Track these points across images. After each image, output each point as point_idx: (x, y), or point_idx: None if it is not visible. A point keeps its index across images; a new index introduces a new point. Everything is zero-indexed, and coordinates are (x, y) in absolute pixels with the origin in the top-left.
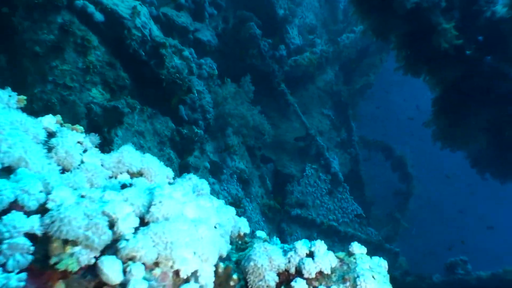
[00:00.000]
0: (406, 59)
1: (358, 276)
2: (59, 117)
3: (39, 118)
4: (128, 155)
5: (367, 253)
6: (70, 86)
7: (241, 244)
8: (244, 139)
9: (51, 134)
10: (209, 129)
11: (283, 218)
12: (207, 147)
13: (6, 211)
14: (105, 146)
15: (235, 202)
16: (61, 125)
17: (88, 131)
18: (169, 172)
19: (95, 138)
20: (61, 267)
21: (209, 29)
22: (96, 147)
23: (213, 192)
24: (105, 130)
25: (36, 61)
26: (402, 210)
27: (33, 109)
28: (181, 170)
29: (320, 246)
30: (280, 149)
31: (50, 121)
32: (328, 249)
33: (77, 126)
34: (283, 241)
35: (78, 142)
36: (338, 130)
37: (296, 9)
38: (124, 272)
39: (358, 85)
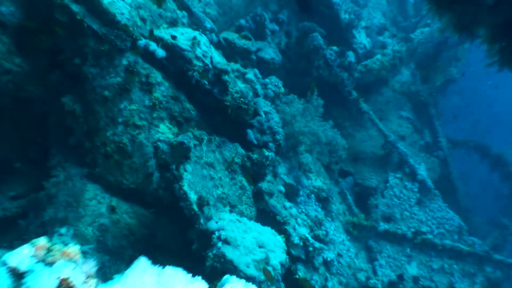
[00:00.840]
0: (501, 53)
1: None
2: (43, 240)
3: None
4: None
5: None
6: (139, 125)
7: None
8: (318, 156)
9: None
10: (280, 151)
11: (370, 234)
12: (280, 169)
13: None
14: (175, 184)
15: (314, 225)
16: (49, 249)
17: (157, 169)
18: None
19: (90, 265)
20: None
21: (271, 47)
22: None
23: (291, 216)
24: (173, 168)
25: (106, 105)
26: (509, 214)
27: (107, 152)
28: (255, 197)
29: None
30: (359, 161)
31: (21, 257)
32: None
33: (71, 248)
34: (373, 259)
35: (62, 280)
36: (421, 132)
37: (361, 11)
38: None
39: (439, 82)
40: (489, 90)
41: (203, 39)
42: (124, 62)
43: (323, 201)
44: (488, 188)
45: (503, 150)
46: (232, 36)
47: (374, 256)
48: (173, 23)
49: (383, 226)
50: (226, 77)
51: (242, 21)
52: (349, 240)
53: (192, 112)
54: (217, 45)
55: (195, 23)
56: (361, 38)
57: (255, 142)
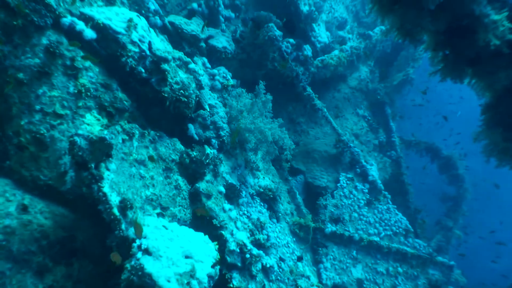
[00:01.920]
0: (444, 62)
1: None
2: None
3: None
4: None
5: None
6: (61, 114)
7: None
8: (264, 155)
9: None
10: (224, 147)
11: (316, 236)
12: (222, 168)
13: None
14: (93, 184)
15: (256, 229)
16: None
17: (72, 168)
18: None
19: None
20: None
21: (224, 35)
22: None
23: (230, 220)
24: (91, 166)
25: (21, 89)
26: (453, 217)
27: (21, 143)
28: (191, 198)
29: None
30: (311, 159)
31: None
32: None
33: None
34: (318, 262)
35: None
36: (376, 131)
37: (323, 3)
38: None
39: (396, 81)
40: (441, 91)
41: (141, 22)
42: (44, 41)
43: (270, 201)
44: (437, 190)
45: (452, 153)
46: (179, 20)
47: (320, 259)
48: (110, 1)
49: (330, 228)
50: (165, 66)
51: (195, 5)
52: (294, 242)
53: (125, 102)
54: (163, 30)
55: (137, 3)
56: (320, 32)
57: (197, 137)
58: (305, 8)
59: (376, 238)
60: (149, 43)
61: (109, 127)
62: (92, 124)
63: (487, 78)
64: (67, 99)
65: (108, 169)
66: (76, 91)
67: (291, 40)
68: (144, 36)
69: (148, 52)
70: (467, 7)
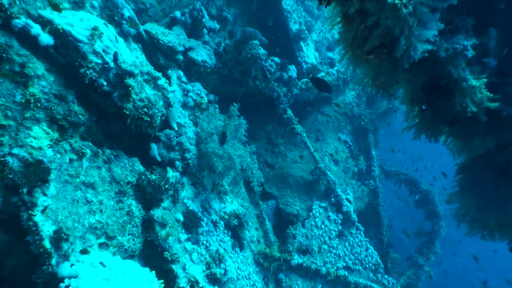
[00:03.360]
0: (419, 117)
1: None
2: None
3: None
4: None
5: None
6: (3, 124)
7: None
8: (231, 181)
9: None
10: (189, 170)
11: (281, 267)
12: (184, 193)
13: None
14: (22, 212)
15: (213, 262)
16: None
17: (0, 192)
18: None
19: None
20: None
21: (206, 48)
22: None
23: (184, 252)
24: (23, 191)
25: None
26: (426, 253)
27: None
28: (144, 226)
29: None
30: (285, 183)
31: None
32: None
33: None
34: None
35: None
36: (356, 158)
37: (314, 22)
38: None
39: (382, 109)
40: None
41: (108, 31)
42: None
43: (236, 227)
44: (413, 224)
45: (430, 188)
46: (156, 30)
47: None
48: (78, 3)
49: (296, 259)
50: (130, 81)
51: (178, 13)
52: (257, 272)
53: (80, 116)
54: (137, 38)
55: (109, 8)
56: (308, 52)
57: (159, 158)
58: (294, 27)
59: (344, 273)
60: (115, 54)
61: (58, 143)
62: (39, 137)
63: (464, 141)
64: (12, 108)
65: (45, 194)
66: (23, 101)
67: (276, 59)
68: (109, 47)
69: (112, 64)
70: (444, 68)
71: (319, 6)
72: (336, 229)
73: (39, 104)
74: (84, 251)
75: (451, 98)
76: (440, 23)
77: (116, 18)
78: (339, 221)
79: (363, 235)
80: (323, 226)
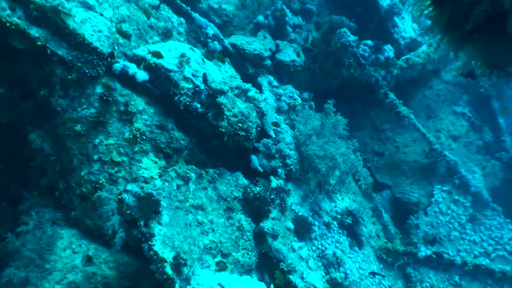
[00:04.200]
0: None
1: None
2: None
3: None
4: None
5: None
6: (118, 161)
7: None
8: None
9: None
10: (293, 175)
11: (408, 261)
12: (291, 199)
13: None
14: (143, 243)
15: (331, 266)
16: None
17: (122, 227)
18: None
19: None
20: None
21: (293, 46)
22: None
23: (300, 260)
24: (141, 224)
25: (79, 141)
26: None
27: (83, 194)
28: (256, 239)
29: None
30: (399, 171)
31: None
32: None
33: None
34: None
35: None
36: (480, 130)
37: None
38: None
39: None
40: None
41: (194, 55)
42: (98, 90)
43: (352, 224)
44: None
45: None
46: (241, 41)
47: (413, 287)
48: (166, 34)
49: (424, 251)
50: (221, 99)
51: (261, 18)
52: (382, 269)
53: (181, 141)
54: (224, 53)
55: (194, 30)
56: (405, 26)
57: (261, 169)
58: (385, 3)
59: (485, 260)
60: (204, 76)
61: (166, 170)
62: (149, 168)
63: None
64: (123, 145)
65: (160, 224)
66: (131, 136)
67: (369, 42)
68: (198, 70)
69: (202, 86)
70: None
71: None
72: (466, 213)
73: (144, 137)
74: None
75: None
76: None
77: (201, 38)
78: (468, 204)
79: (503, 216)
80: (449, 212)
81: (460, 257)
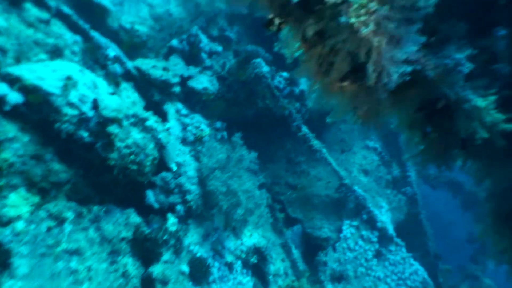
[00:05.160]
0: (424, 143)
1: None
2: None
3: None
4: None
5: None
6: None
7: None
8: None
9: None
10: (193, 213)
11: None
12: (189, 238)
13: None
14: None
15: None
16: None
17: None
18: None
19: None
20: None
21: (206, 74)
22: None
23: None
24: None
25: None
26: (480, 262)
27: None
28: (144, 286)
29: None
30: (310, 205)
31: None
32: None
33: None
34: None
35: None
36: (388, 165)
37: None
38: None
39: None
40: None
41: (84, 78)
42: None
43: (259, 262)
44: (460, 230)
45: (477, 188)
46: (147, 65)
47: None
48: (55, 52)
49: None
50: (112, 128)
51: (174, 42)
52: None
53: (62, 174)
54: (128, 76)
55: (92, 51)
56: None
57: (157, 205)
58: None
59: None
60: (94, 102)
61: (39, 208)
62: (17, 205)
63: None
64: None
65: (13, 277)
66: None
67: (284, 74)
68: (86, 95)
69: (91, 113)
70: (438, 90)
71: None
72: (372, 249)
73: (13, 170)
74: None
75: (456, 121)
76: (419, 36)
77: (101, 60)
78: (375, 239)
79: (405, 251)
80: (357, 248)
81: None
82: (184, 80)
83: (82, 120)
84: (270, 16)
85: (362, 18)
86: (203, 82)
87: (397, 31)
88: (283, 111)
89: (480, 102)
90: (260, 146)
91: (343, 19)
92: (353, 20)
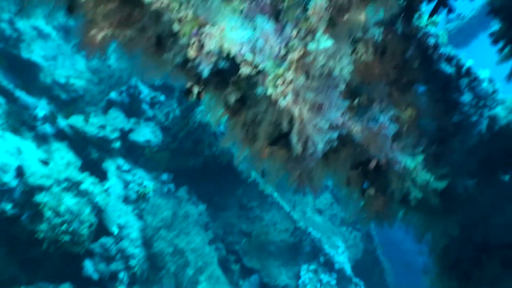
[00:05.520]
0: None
1: None
2: None
3: None
4: None
5: None
6: None
7: None
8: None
9: None
10: (138, 279)
11: None
12: None
13: None
14: None
15: None
16: None
17: None
18: None
19: None
20: None
21: (149, 125)
22: None
23: None
24: None
25: None
26: None
27: None
28: None
29: None
30: (266, 252)
31: None
32: None
33: None
34: None
35: None
36: (341, 203)
37: None
38: None
39: None
40: None
41: (5, 145)
42: None
43: None
44: (417, 263)
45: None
46: (81, 122)
47: None
48: None
49: None
50: (40, 197)
51: (113, 94)
52: None
53: None
54: (62, 135)
55: (18, 112)
56: None
57: (96, 276)
58: None
59: None
60: (19, 169)
61: None
62: None
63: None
64: None
65: None
66: None
67: None
68: (8, 164)
69: (14, 183)
70: (366, 152)
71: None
72: None
73: None
74: None
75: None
76: (342, 100)
77: (28, 122)
78: (334, 282)
79: None
80: None
81: None
82: (125, 134)
83: (4, 192)
84: (188, 84)
85: (280, 89)
86: (145, 134)
87: (317, 98)
88: (230, 157)
89: (409, 162)
90: (210, 195)
91: (260, 90)
92: (270, 91)
